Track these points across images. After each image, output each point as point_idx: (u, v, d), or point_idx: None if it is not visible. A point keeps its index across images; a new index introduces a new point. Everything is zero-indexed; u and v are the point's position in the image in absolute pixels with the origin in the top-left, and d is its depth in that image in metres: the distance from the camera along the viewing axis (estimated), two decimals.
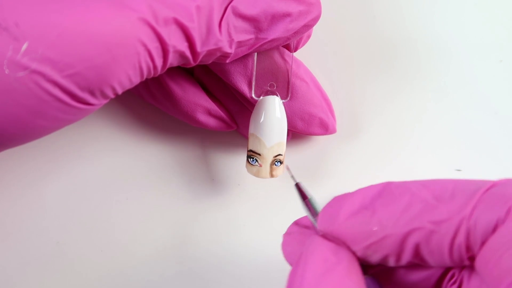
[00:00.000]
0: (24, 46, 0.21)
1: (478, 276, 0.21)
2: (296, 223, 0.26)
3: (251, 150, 0.30)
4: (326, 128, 0.32)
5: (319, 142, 0.34)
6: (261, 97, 0.30)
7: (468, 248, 0.20)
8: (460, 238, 0.20)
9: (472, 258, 0.20)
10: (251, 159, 0.30)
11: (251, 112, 0.31)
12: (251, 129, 0.30)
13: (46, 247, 0.33)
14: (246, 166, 0.31)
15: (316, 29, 0.30)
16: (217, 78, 0.31)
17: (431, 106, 0.33)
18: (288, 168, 0.29)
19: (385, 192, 0.21)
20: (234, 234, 0.33)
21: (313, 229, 0.25)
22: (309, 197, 0.27)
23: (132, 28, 0.23)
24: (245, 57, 0.30)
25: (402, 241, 0.21)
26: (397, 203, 0.21)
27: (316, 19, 0.28)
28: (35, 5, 0.22)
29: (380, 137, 0.33)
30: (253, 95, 0.30)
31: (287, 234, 0.26)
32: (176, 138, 0.33)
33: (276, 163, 0.30)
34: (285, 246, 0.26)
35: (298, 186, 0.28)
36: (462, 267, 0.22)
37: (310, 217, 0.26)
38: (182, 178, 0.33)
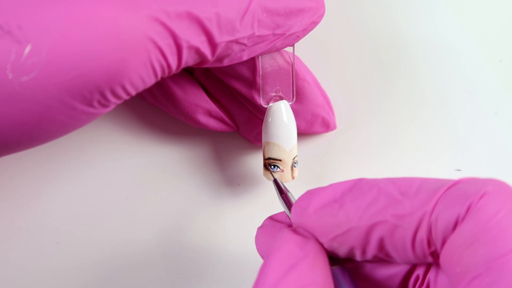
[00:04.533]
0: (27, 49, 0.20)
1: (444, 276, 0.21)
2: (270, 218, 0.27)
3: (270, 158, 0.30)
4: (327, 126, 0.32)
5: (319, 139, 0.34)
6: (271, 104, 0.30)
7: (430, 243, 0.20)
8: (422, 233, 0.20)
9: (434, 254, 0.20)
10: (272, 167, 0.30)
11: (252, 113, 0.31)
12: (266, 138, 0.30)
13: (46, 247, 0.33)
14: (265, 175, 0.31)
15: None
16: (217, 80, 0.31)
17: (431, 105, 0.33)
18: (267, 166, 0.30)
19: (355, 187, 0.22)
20: (234, 234, 0.33)
21: (287, 223, 0.26)
22: (286, 192, 0.27)
23: (140, 25, 0.22)
24: (249, 62, 0.29)
25: (367, 234, 0.21)
26: (364, 198, 0.21)
27: (321, 16, 0.28)
28: (38, 6, 0.21)
29: (379, 137, 0.33)
30: (262, 103, 0.30)
31: (260, 228, 0.26)
32: (176, 139, 0.33)
33: (294, 164, 0.30)
34: (257, 239, 0.26)
35: (276, 182, 0.28)
36: (427, 268, 0.22)
37: (287, 212, 0.26)
38: (182, 178, 0.33)
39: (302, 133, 0.32)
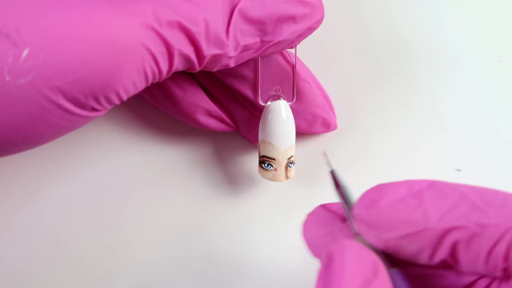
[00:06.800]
0: (25, 53, 0.21)
1: None
2: (323, 206, 0.26)
3: (264, 156, 0.30)
4: (328, 127, 0.32)
5: (319, 139, 0.34)
6: (269, 103, 0.30)
7: (506, 259, 0.20)
8: (501, 247, 0.19)
9: (506, 270, 0.20)
10: (265, 165, 0.30)
11: (252, 113, 0.31)
12: (262, 136, 0.30)
13: (46, 247, 0.33)
14: (260, 172, 0.31)
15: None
16: (217, 80, 0.31)
17: (431, 106, 0.33)
18: (325, 155, 0.29)
19: (434, 187, 0.21)
20: (234, 234, 0.33)
21: (341, 215, 0.25)
22: (343, 185, 0.26)
23: (135, 32, 0.22)
24: (249, 62, 0.30)
25: (442, 237, 0.20)
26: (446, 200, 0.21)
27: (319, 22, 0.28)
28: (36, 10, 0.21)
29: (379, 137, 0.33)
30: (260, 101, 0.30)
31: (311, 214, 0.25)
32: (176, 139, 0.33)
33: (290, 165, 0.30)
34: (307, 225, 0.25)
35: (332, 174, 0.27)
36: (489, 283, 0.21)
37: (344, 205, 0.25)
38: (182, 178, 0.33)
39: (303, 133, 0.32)
